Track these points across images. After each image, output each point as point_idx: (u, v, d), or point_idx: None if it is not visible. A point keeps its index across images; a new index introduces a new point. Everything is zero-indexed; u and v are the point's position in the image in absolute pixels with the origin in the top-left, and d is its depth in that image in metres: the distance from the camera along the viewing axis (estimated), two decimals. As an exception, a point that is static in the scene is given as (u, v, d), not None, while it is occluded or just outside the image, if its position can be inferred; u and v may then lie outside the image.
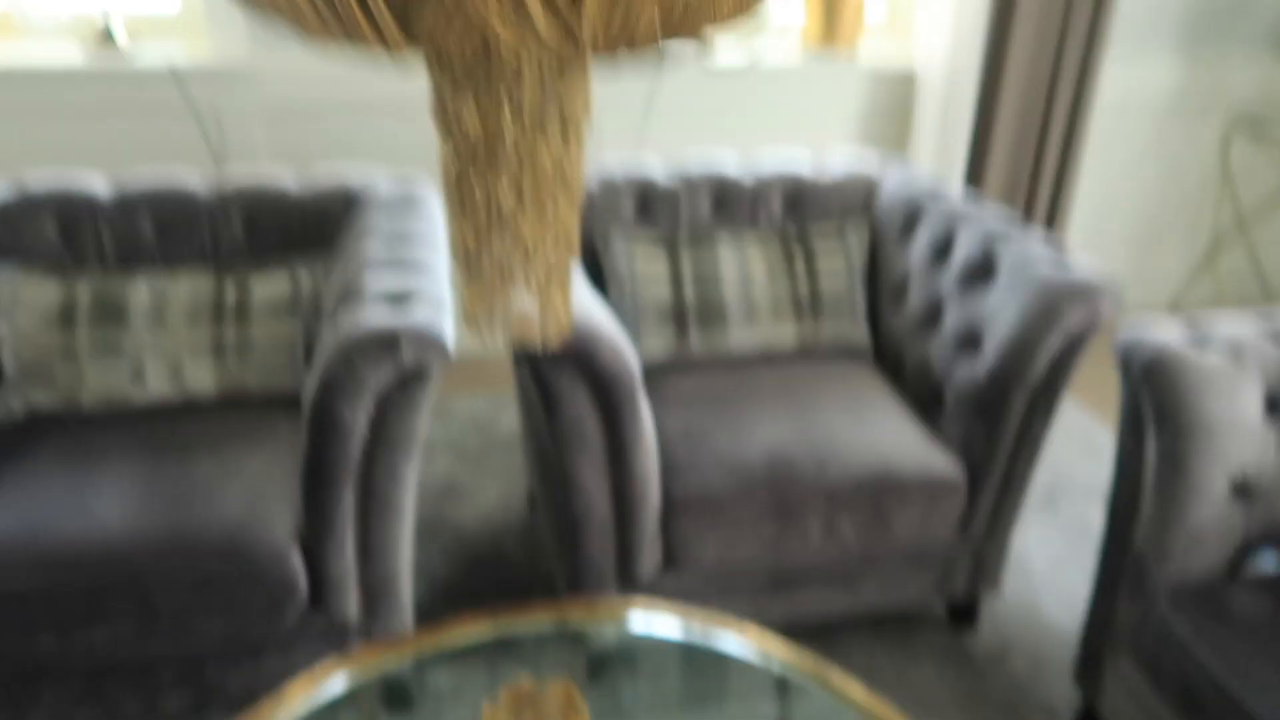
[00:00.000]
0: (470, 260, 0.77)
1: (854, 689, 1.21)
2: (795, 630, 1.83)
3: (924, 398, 1.91)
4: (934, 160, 2.93)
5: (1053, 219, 3.07)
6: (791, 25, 2.97)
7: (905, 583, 1.84)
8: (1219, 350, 1.47)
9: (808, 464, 1.68)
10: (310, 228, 1.92)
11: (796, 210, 2.17)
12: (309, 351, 1.82)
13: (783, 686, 1.28)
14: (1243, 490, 1.46)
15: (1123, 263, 3.37)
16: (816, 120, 2.95)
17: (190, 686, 1.55)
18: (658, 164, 2.15)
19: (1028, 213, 3.04)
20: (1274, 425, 1.47)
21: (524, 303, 0.80)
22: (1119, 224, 3.34)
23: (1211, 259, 3.34)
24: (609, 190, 2.06)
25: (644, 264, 1.99)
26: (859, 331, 2.09)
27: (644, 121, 2.75)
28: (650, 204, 2.09)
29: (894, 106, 2.98)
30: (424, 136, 2.62)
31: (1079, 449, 2.57)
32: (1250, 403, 1.46)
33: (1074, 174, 3.02)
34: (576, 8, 0.52)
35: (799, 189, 2.17)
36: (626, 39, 0.56)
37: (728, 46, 2.84)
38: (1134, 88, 3.11)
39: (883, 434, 1.78)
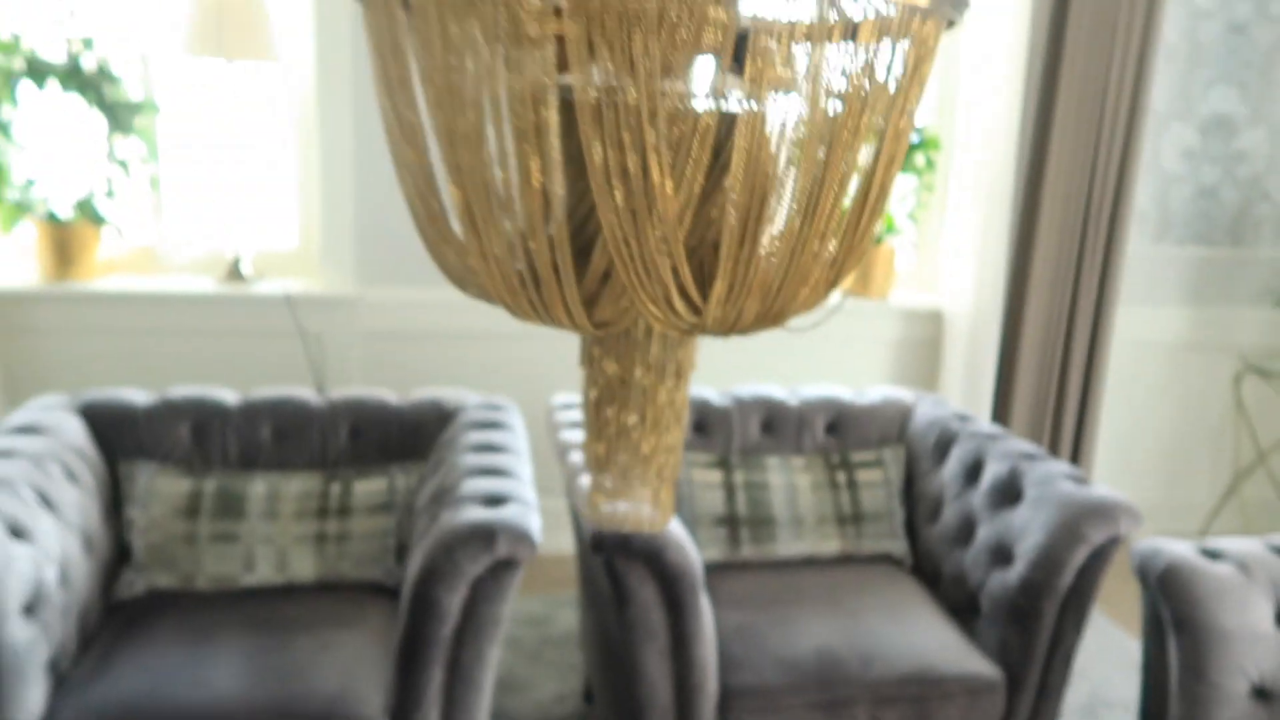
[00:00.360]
0: (599, 465, 1.01)
1: None
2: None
3: (960, 606, 2.05)
4: (962, 394, 3.18)
5: (1078, 451, 3.26)
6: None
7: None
8: (1229, 562, 1.63)
9: (853, 661, 1.81)
10: (407, 437, 2.18)
11: (838, 433, 2.40)
12: (399, 545, 2.02)
13: None
14: (1262, 694, 1.57)
15: (1150, 493, 3.52)
16: (853, 356, 3.24)
17: None
18: (712, 390, 2.41)
19: (1053, 445, 3.24)
20: (1286, 634, 1.60)
21: (639, 498, 1.02)
22: (1144, 457, 3.51)
23: (1235, 490, 3.48)
24: (670, 410, 2.31)
25: (700, 475, 2.21)
26: (898, 544, 2.25)
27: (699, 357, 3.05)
28: (706, 423, 2.34)
29: (924, 344, 3.27)
30: (500, 362, 2.94)
31: (1117, 664, 2.63)
32: (1262, 612, 1.60)
33: (1096, 407, 3.24)
34: (703, 308, 0.78)
35: (840, 413, 2.41)
36: (733, 326, 0.81)
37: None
38: (1147, 328, 3.39)
39: (923, 636, 1.91)
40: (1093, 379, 3.22)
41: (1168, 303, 3.42)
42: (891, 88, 0.80)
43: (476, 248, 0.77)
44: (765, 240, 0.84)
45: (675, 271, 0.77)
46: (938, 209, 3.27)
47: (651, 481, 1.01)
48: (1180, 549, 1.64)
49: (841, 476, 2.29)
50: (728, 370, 3.03)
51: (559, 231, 0.74)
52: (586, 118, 0.70)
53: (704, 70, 0.78)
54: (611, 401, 0.96)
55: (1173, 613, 1.59)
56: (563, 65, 0.71)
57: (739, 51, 0.73)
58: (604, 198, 0.72)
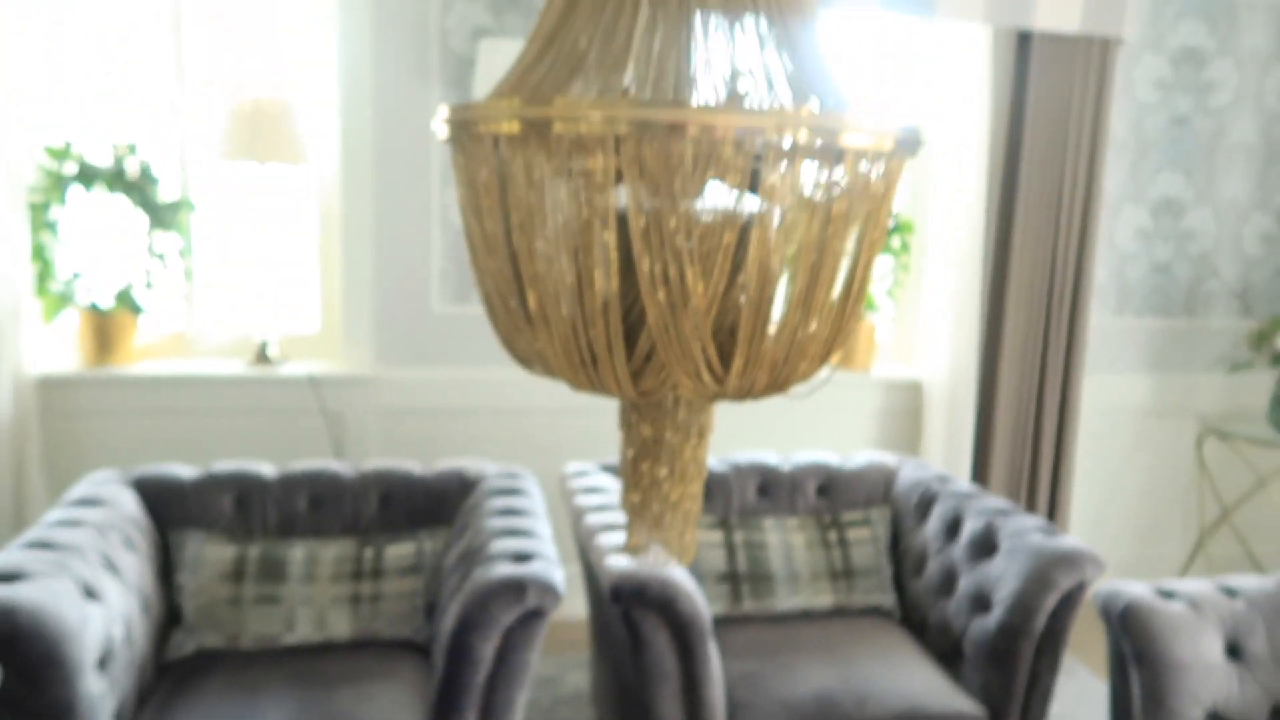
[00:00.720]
0: (636, 512, 1.21)
1: None
2: None
3: (946, 652, 2.23)
4: (943, 459, 3.38)
5: (1054, 510, 3.46)
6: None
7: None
8: (1181, 601, 1.83)
9: (849, 703, 1.98)
10: (433, 504, 2.36)
11: (828, 495, 2.60)
12: (428, 605, 2.18)
13: None
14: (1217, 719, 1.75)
15: (1124, 550, 3.71)
16: (840, 424, 3.45)
17: None
18: (712, 458, 2.61)
19: (1030, 505, 3.44)
20: (1234, 667, 1.78)
21: (668, 540, 1.22)
22: (1117, 515, 3.72)
23: (1202, 546, 3.68)
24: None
25: (703, 535, 2.39)
26: (887, 597, 2.43)
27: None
28: (708, 488, 2.53)
29: (905, 412, 3.49)
30: (508, 436, 3.14)
31: (1093, 708, 2.79)
32: (1213, 645, 1.79)
33: (1069, 469, 3.45)
34: (725, 379, 0.99)
35: (829, 477, 2.62)
36: (748, 393, 1.03)
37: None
38: (1114, 395, 3.63)
39: (912, 680, 2.08)
40: (1064, 442, 3.44)
41: (1131, 370, 3.66)
42: (867, 205, 1.02)
43: (546, 336, 0.98)
44: (773, 324, 1.06)
45: (704, 351, 0.98)
46: (914, 287, 3.52)
47: (679, 525, 1.22)
48: (1138, 590, 1.84)
49: (833, 535, 2.48)
50: (726, 439, 3.23)
51: (614, 323, 0.96)
52: (637, 237, 0.92)
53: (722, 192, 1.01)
54: (646, 458, 1.17)
55: (1133, 648, 1.78)
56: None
57: (753, 180, 0.95)
58: (650, 297, 0.94)
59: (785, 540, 2.44)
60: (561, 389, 3.00)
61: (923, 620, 2.36)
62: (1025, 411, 3.40)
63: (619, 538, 2.02)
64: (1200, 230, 3.65)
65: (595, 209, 0.89)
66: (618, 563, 1.89)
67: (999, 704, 2.05)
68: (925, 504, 2.49)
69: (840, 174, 0.98)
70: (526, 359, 1.08)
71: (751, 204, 0.95)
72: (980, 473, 3.42)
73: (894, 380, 3.48)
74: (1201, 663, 1.75)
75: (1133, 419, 3.70)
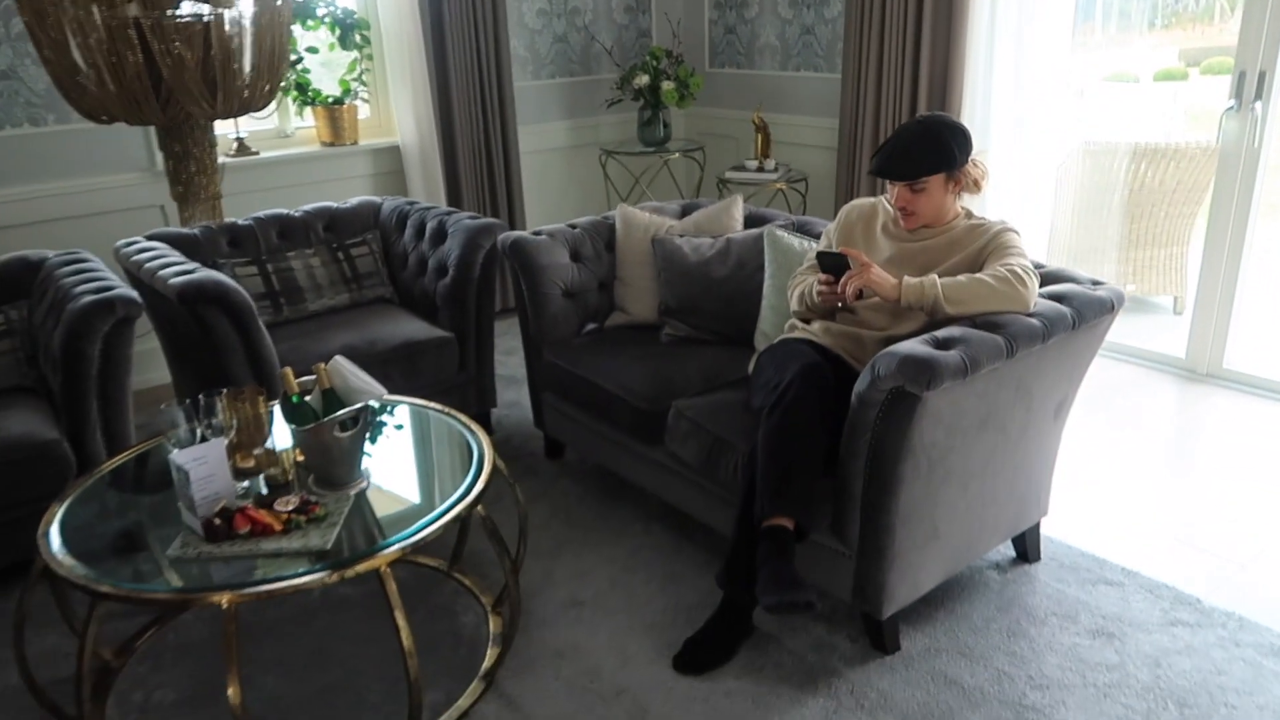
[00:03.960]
0: (181, 199, 2.08)
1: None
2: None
3: (428, 310, 3.35)
4: (426, 199, 4.45)
5: (513, 221, 4.73)
6: (305, 129, 4.35)
7: (441, 407, 3.23)
8: (545, 235, 3.08)
9: (363, 345, 3.04)
10: (7, 286, 2.92)
11: (333, 229, 3.54)
12: (28, 356, 2.81)
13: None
14: (569, 295, 3.07)
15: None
16: (342, 189, 4.34)
17: None
18: (239, 217, 3.41)
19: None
20: (575, 265, 3.09)
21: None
22: (557, 214, 5.10)
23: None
24: (209, 232, 3.28)
25: (242, 270, 3.23)
26: (387, 289, 3.49)
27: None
28: (239, 238, 3.35)
29: (392, 173, 4.47)
30: (44, 242, 3.61)
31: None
32: (563, 254, 3.07)
33: (519, 194, 4.71)
34: (215, 106, 1.87)
35: (333, 216, 3.55)
36: (229, 114, 1.91)
37: (267, 146, 4.15)
38: (543, 139, 4.91)
39: (407, 328, 3.18)
40: (511, 176, 4.66)
41: (552, 119, 4.96)
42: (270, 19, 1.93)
43: (110, 97, 1.78)
44: (244, 74, 1.95)
45: (199, 91, 1.85)
46: (380, 72, 4.42)
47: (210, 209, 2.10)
48: (520, 233, 3.05)
49: (341, 255, 3.45)
50: (254, 204, 3.96)
51: (144, 81, 1.77)
52: (148, 31, 1.74)
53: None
54: (181, 164, 2.02)
55: (518, 266, 3.00)
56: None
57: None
58: (162, 63, 1.78)
59: (306, 264, 3.36)
60: (80, 200, 3.57)
61: (411, 297, 3.46)
62: (480, 158, 4.55)
63: (176, 270, 2.80)
64: (582, 7, 4.93)
65: (119, 18, 1.66)
66: (179, 280, 2.70)
67: (461, 329, 3.23)
68: (401, 221, 3.54)
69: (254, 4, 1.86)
70: (94, 114, 1.84)
71: (201, 9, 1.81)
72: (454, 205, 4.55)
73: (378, 147, 4.43)
74: (555, 265, 3.03)
75: (560, 154, 5.04)
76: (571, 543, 2.75)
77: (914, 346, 1.97)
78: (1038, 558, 2.57)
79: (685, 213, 3.32)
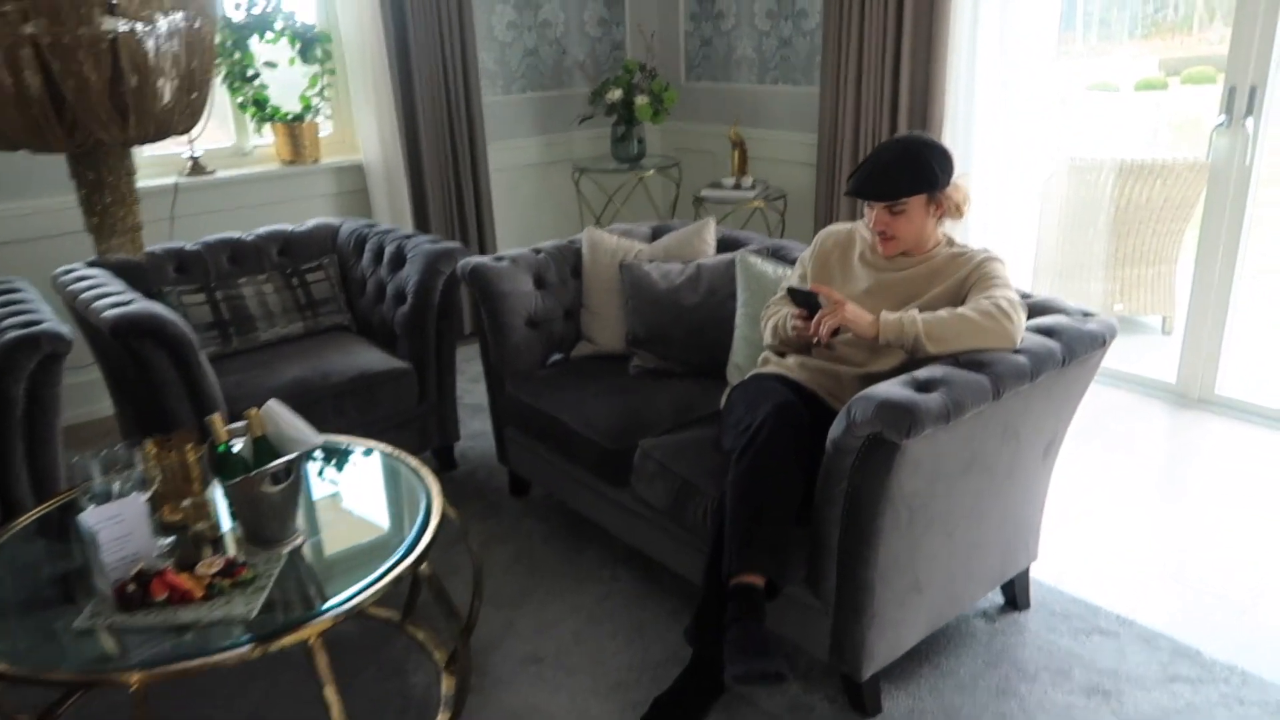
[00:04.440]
0: (97, 230, 1.91)
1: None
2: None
3: (386, 339, 3.19)
4: (390, 221, 4.29)
5: (483, 246, 4.57)
6: (264, 147, 4.18)
7: (398, 441, 3.06)
8: (506, 260, 2.92)
9: (316, 378, 2.87)
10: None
11: (288, 253, 3.37)
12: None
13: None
14: (533, 324, 2.91)
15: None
16: (302, 210, 4.17)
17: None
18: (188, 241, 3.24)
19: (466, 240, 4.51)
20: (539, 293, 2.93)
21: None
22: (530, 237, 4.94)
23: (596, 257, 5.06)
24: (155, 258, 3.11)
25: (190, 298, 3.06)
26: (344, 316, 3.32)
27: (171, 223, 3.78)
28: (188, 265, 3.17)
29: (355, 192, 4.30)
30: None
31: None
32: (526, 280, 2.91)
33: (489, 215, 4.55)
34: (126, 130, 1.71)
35: (287, 240, 3.38)
36: (144, 140, 1.75)
37: (223, 164, 3.98)
38: (514, 155, 4.76)
39: (362, 358, 3.01)
40: (480, 196, 4.51)
41: (523, 135, 4.81)
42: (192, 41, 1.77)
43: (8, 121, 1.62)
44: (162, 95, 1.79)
45: (105, 115, 1.69)
46: (343, 88, 4.26)
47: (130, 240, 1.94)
48: (480, 258, 2.89)
49: (295, 280, 3.28)
50: (210, 224, 3.77)
51: (45, 105, 1.61)
52: (47, 51, 1.58)
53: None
54: (95, 193, 1.86)
55: (478, 293, 2.84)
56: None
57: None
58: (65, 85, 1.62)
59: (259, 291, 3.19)
60: (16, 224, 3.40)
61: (370, 324, 3.29)
62: (447, 176, 4.39)
63: (112, 301, 2.63)
64: (554, 19, 4.78)
65: (14, 36, 1.51)
66: (113, 312, 2.53)
67: (420, 359, 3.07)
68: (360, 244, 3.38)
69: (174, 20, 1.70)
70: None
71: (115, 24, 1.64)
72: (422, 228, 4.39)
73: (341, 165, 4.27)
74: (518, 292, 2.87)
75: (531, 171, 4.89)
76: (535, 590, 2.58)
77: (892, 390, 1.82)
78: (1027, 605, 2.42)
79: (656, 235, 3.17)
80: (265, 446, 1.93)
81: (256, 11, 3.94)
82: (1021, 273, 3.92)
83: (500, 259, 2.93)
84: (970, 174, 3.80)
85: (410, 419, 3.09)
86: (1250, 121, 3.22)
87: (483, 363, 2.98)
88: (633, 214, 5.10)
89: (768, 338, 2.39)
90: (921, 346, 1.98)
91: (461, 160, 4.41)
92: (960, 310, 2.02)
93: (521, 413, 2.81)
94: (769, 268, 2.66)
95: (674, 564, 2.42)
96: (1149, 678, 2.15)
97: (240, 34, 3.92)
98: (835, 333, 2.08)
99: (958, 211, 2.24)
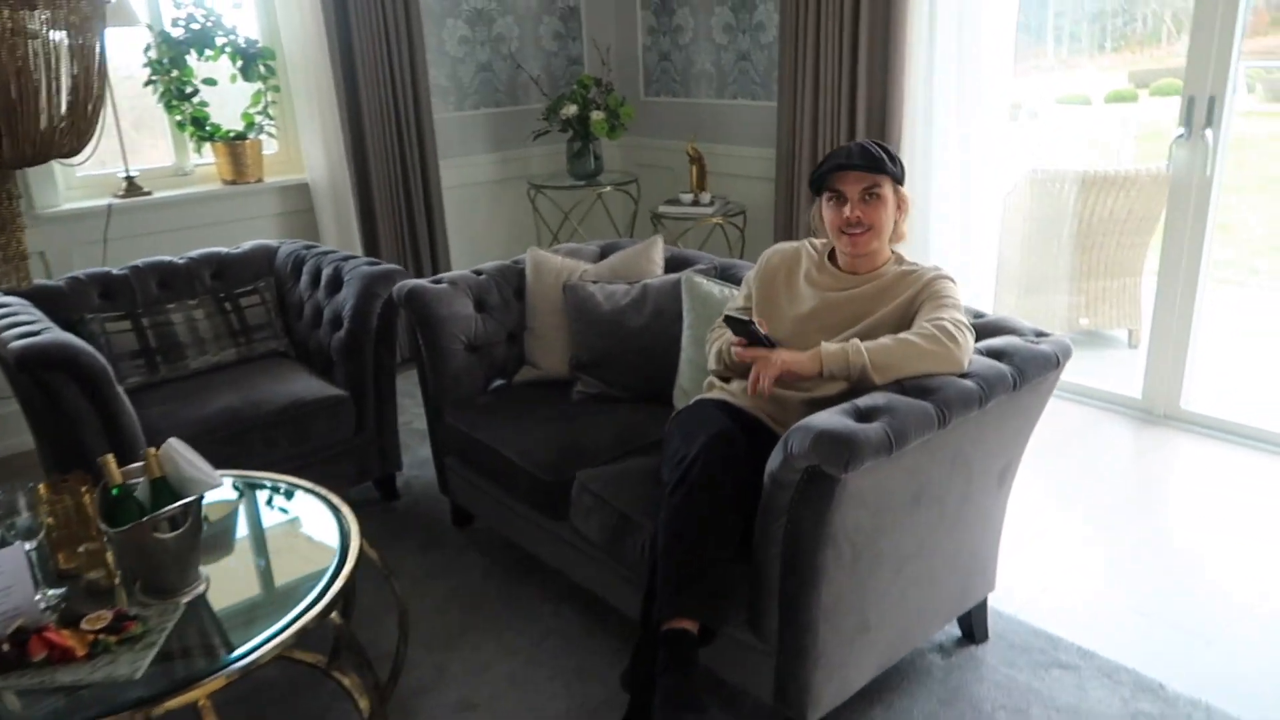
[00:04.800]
0: None
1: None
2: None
3: (323, 365, 3.05)
4: (337, 241, 4.15)
5: (436, 265, 4.45)
6: (206, 166, 4.04)
7: (335, 472, 2.93)
8: (445, 282, 2.80)
9: (247, 408, 2.73)
10: None
11: (221, 277, 3.23)
12: None
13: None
14: (473, 348, 2.79)
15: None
16: (247, 230, 4.03)
17: None
18: (116, 267, 3.10)
19: (417, 265, 4.38)
20: (480, 316, 2.81)
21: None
22: (484, 255, 4.83)
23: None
24: (78, 284, 2.97)
25: (112, 326, 2.92)
26: (281, 342, 3.19)
27: (105, 246, 3.64)
28: (112, 290, 3.03)
29: (301, 211, 4.17)
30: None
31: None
32: (466, 303, 2.79)
33: (442, 233, 4.43)
34: (1, 153, 1.58)
35: (221, 263, 3.25)
36: (24, 163, 1.63)
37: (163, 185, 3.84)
38: (467, 173, 4.64)
39: (297, 386, 2.88)
40: (433, 214, 4.38)
41: (476, 152, 4.69)
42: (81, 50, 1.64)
43: None
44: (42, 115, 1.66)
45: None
46: (288, 105, 4.13)
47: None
48: (416, 281, 2.77)
49: (229, 305, 3.14)
50: (146, 247, 3.62)
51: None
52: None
53: None
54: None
55: (416, 317, 2.72)
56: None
57: None
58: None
59: (189, 317, 3.06)
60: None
61: (308, 350, 3.16)
62: (397, 194, 4.27)
63: (21, 331, 2.49)
64: (508, 34, 4.68)
65: None
66: (19, 344, 2.39)
67: (358, 386, 2.94)
68: (298, 266, 3.25)
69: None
70: None
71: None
72: (371, 248, 4.27)
73: (286, 184, 4.13)
74: (457, 315, 2.75)
75: (486, 188, 4.77)
76: (471, 630, 2.45)
77: (831, 420, 1.71)
78: (985, 638, 2.31)
79: (604, 254, 3.06)
80: (164, 489, 1.80)
81: (196, 28, 3.82)
82: (984, 288, 3.83)
83: (439, 281, 2.81)
84: (931, 188, 3.72)
85: (348, 449, 2.96)
86: (1209, 132, 3.15)
87: (421, 390, 2.86)
88: (591, 231, 4.99)
89: (712, 362, 2.28)
90: (867, 377, 1.87)
91: (412, 178, 4.29)
92: (904, 335, 1.92)
93: (459, 442, 2.68)
94: (715, 288, 2.55)
95: (616, 601, 2.30)
96: (1110, 714, 2.05)
97: (178, 50, 3.79)
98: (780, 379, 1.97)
99: (898, 234, 2.16)
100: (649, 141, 5.01)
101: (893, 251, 2.20)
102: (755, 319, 2.10)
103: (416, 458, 3.37)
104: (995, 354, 1.98)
